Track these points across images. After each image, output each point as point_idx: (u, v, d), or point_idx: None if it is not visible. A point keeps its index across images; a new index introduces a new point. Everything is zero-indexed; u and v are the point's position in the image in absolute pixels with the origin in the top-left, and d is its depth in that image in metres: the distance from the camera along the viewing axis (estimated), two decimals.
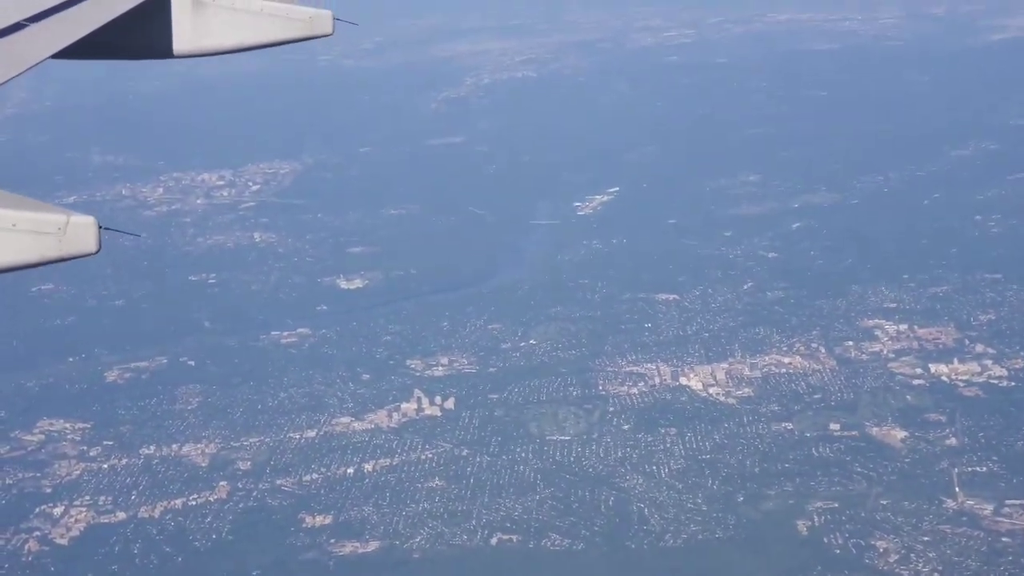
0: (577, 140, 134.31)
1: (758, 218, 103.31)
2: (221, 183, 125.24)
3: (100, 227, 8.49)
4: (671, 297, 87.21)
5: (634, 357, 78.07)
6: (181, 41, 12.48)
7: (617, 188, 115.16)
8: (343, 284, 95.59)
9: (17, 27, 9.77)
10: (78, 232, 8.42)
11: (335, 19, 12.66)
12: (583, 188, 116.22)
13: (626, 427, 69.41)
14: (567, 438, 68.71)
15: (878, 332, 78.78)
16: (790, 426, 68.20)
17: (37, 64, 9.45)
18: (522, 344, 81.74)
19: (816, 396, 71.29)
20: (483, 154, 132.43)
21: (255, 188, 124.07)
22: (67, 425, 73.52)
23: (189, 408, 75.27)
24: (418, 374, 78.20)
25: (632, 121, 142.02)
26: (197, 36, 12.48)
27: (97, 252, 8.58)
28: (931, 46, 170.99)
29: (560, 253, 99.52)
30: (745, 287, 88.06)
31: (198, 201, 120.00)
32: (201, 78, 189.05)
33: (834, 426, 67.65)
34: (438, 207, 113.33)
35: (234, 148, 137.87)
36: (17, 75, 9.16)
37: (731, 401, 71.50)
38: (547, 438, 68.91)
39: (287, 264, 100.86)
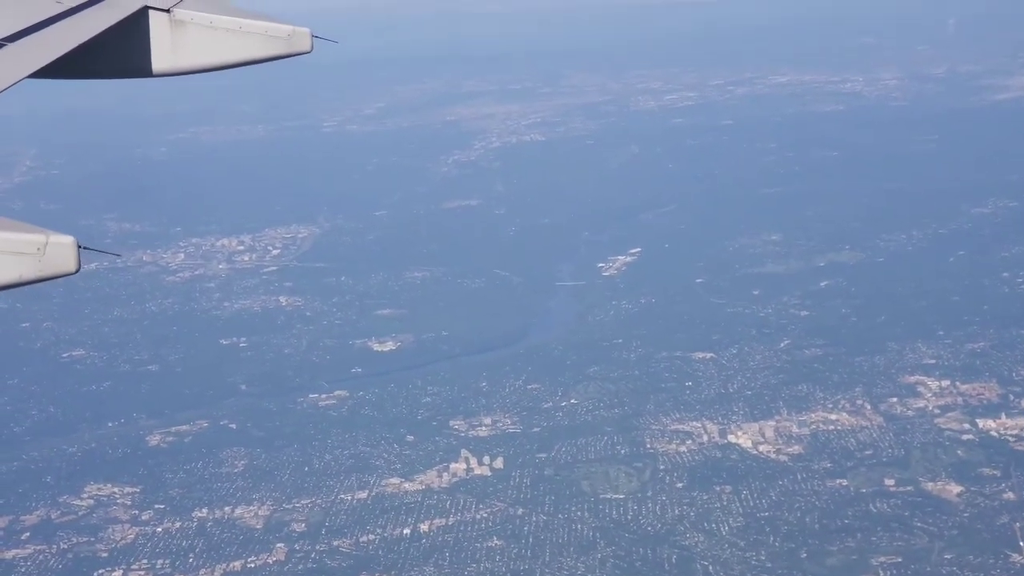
0: (593, 202, 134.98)
1: (785, 276, 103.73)
2: (241, 248, 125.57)
3: (80, 247, 8.43)
4: (708, 356, 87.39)
5: (678, 415, 78.14)
6: (160, 60, 12.46)
7: (639, 248, 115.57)
8: (375, 346, 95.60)
9: None
10: (57, 252, 8.32)
11: (313, 36, 12.57)
12: (605, 249, 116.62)
13: (679, 485, 69.39)
14: (621, 496, 68.64)
15: (921, 388, 78.97)
16: (844, 482, 68.21)
17: (15, 84, 9.49)
18: (563, 404, 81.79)
19: (867, 452, 71.33)
20: (501, 216, 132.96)
21: (275, 252, 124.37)
22: (115, 490, 73.31)
23: (236, 471, 75.12)
24: (462, 434, 78.15)
25: (645, 182, 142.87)
26: (176, 54, 12.46)
27: (76, 272, 8.49)
28: (936, 106, 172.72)
29: (590, 314, 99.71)
30: (782, 345, 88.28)
31: (220, 266, 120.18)
32: (208, 144, 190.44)
33: (889, 482, 67.71)
34: (462, 269, 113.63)
35: (250, 213, 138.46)
36: None
37: (783, 458, 71.53)
38: (601, 496, 68.83)
39: (316, 327, 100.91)
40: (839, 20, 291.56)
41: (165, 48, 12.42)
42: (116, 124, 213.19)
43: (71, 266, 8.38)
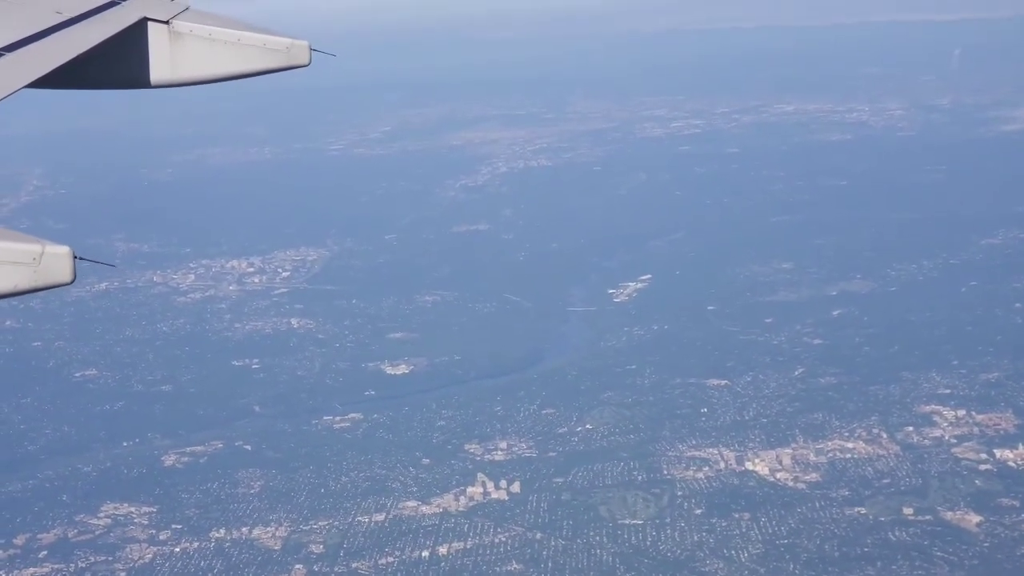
0: (602, 228, 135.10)
1: (797, 305, 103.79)
2: (251, 270, 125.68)
3: (75, 257, 8.38)
4: (722, 383, 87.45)
5: (695, 442, 78.17)
6: (159, 71, 12.44)
7: (649, 275, 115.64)
8: (388, 370, 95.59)
9: None
10: (53, 262, 8.28)
11: (312, 50, 12.52)
12: (615, 275, 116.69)
13: (698, 511, 69.38)
14: (640, 522, 68.62)
15: (936, 418, 79.02)
16: (863, 511, 68.24)
17: (14, 93, 9.44)
18: (578, 429, 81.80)
19: (885, 481, 71.36)
20: (510, 241, 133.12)
21: (285, 275, 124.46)
22: (132, 509, 73.32)
23: (252, 492, 75.12)
24: (478, 458, 78.16)
25: (654, 209, 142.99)
26: (174, 66, 12.42)
27: (71, 283, 8.41)
28: (943, 137, 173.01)
29: (602, 340, 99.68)
30: (796, 373, 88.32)
31: (230, 287, 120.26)
32: (215, 166, 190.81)
33: (907, 511, 67.74)
34: (473, 294, 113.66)
35: (259, 235, 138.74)
36: None
37: (800, 486, 71.56)
38: (619, 522, 68.80)
39: (329, 350, 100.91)
40: (841, 50, 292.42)
41: (164, 59, 12.40)
42: (122, 145, 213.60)
43: (66, 276, 8.35)
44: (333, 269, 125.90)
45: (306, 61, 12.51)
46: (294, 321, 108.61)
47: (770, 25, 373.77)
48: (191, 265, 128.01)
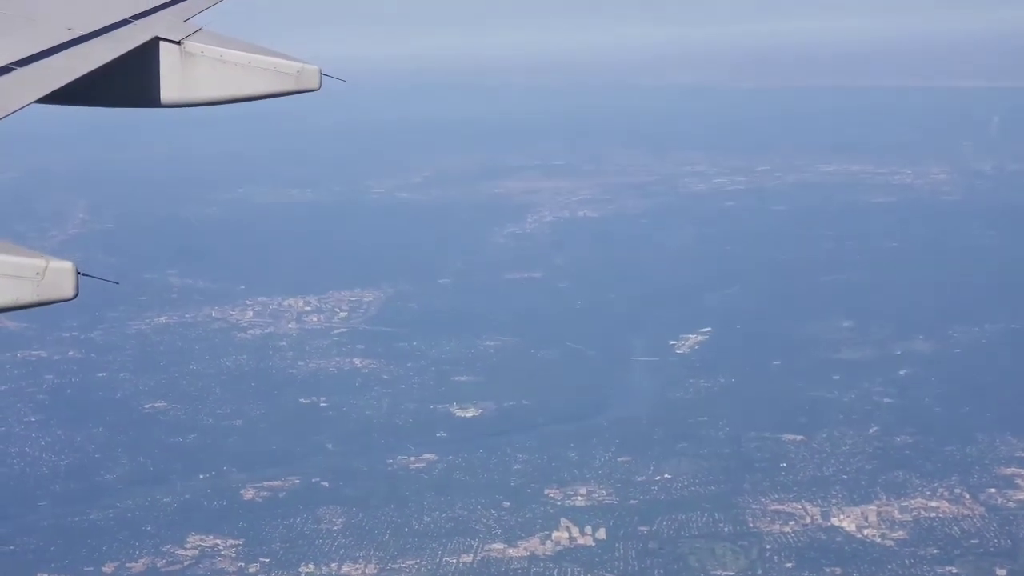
0: (656, 280, 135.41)
1: (862, 363, 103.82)
2: (308, 308, 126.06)
3: (78, 273, 8.32)
4: (798, 438, 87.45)
5: (777, 496, 78.14)
6: (169, 91, 12.37)
7: (709, 328, 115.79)
8: (458, 412, 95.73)
9: (3, 71, 9.95)
10: (56, 277, 8.22)
11: (322, 75, 12.39)
12: (674, 327, 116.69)
13: (788, 565, 69.36)
14: (731, 574, 68.62)
15: (1019, 480, 79.01)
16: (954, 570, 68.23)
17: (23, 107, 9.53)
18: (657, 478, 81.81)
19: (973, 541, 71.30)
20: (566, 290, 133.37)
21: (343, 314, 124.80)
22: (218, 541, 73.43)
23: (335, 528, 75.20)
24: (559, 503, 78.19)
25: (706, 263, 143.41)
26: (185, 86, 12.36)
27: (74, 298, 8.35)
28: (990, 202, 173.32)
29: (668, 390, 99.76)
30: (871, 431, 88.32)
31: (290, 325, 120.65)
32: (259, 205, 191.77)
33: (1000, 572, 67.72)
34: (534, 340, 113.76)
35: (312, 275, 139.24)
36: (2, 118, 9.22)
37: (888, 543, 71.52)
38: (710, 572, 68.80)
39: (395, 390, 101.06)
40: (875, 114, 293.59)
41: (175, 79, 12.39)
42: (161, 181, 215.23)
43: (69, 292, 8.33)
44: (390, 311, 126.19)
45: (316, 85, 12.44)
46: (357, 361, 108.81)
47: (802, 86, 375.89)
48: (247, 302, 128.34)
